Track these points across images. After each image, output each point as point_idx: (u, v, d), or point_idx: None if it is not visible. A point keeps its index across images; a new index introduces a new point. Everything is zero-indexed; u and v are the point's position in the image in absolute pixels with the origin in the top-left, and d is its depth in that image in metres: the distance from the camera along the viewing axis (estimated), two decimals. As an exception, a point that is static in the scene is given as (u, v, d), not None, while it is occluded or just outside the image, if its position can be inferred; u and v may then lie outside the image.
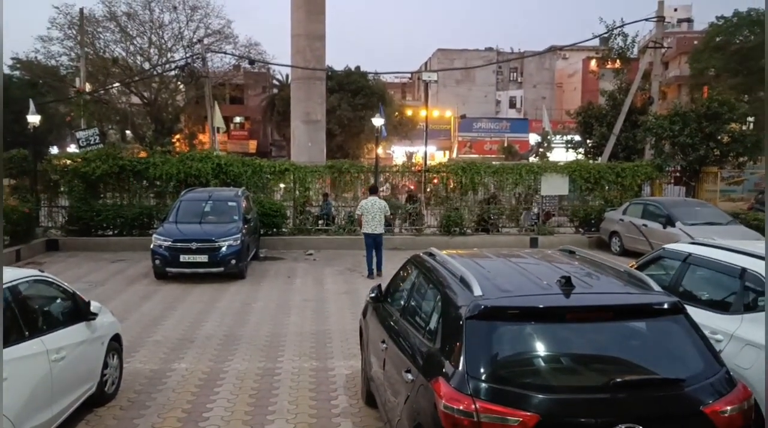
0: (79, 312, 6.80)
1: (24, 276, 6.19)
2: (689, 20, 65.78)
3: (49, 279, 6.69)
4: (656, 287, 4.88)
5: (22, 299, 5.93)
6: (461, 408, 4.05)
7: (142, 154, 21.39)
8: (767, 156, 16.64)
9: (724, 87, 29.28)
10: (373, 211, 14.93)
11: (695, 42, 46.57)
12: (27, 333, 5.74)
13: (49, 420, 5.82)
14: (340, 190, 20.92)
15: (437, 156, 55.74)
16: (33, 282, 6.35)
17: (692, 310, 4.96)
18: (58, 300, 6.73)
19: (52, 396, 5.86)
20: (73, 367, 6.32)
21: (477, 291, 4.60)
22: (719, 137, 21.35)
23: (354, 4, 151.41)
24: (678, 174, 22.76)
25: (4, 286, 5.65)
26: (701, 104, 22.09)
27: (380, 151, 24.68)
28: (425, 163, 26.23)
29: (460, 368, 4.23)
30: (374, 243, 15.03)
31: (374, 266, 15.05)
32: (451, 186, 20.83)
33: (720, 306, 6.49)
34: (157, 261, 14.26)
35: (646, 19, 25.61)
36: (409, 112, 53.81)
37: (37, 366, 5.71)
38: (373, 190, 15.79)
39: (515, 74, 69.60)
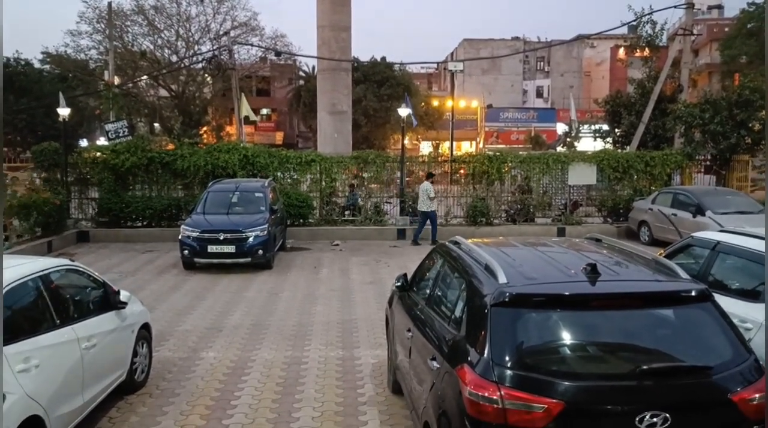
0: (109, 301, 6.89)
1: (56, 266, 6.29)
2: (720, 7, 64.63)
3: (80, 269, 6.79)
4: (684, 274, 4.81)
5: (54, 288, 6.02)
6: (486, 394, 4.05)
7: (170, 146, 21.57)
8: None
9: (756, 74, 28.74)
10: (419, 192, 18.54)
11: (726, 29, 45.80)
12: (58, 321, 5.83)
13: (80, 407, 5.91)
14: (367, 181, 20.95)
15: (464, 146, 55.54)
16: (65, 271, 6.45)
17: (721, 299, 4.90)
18: (89, 289, 6.83)
19: (83, 383, 5.96)
20: (103, 355, 6.42)
21: (502, 278, 4.57)
22: (751, 125, 20.96)
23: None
24: (708, 162, 22.41)
25: (36, 275, 5.78)
26: (732, 91, 21.71)
27: (407, 141, 24.61)
28: (451, 153, 26.13)
29: (485, 355, 4.22)
30: (424, 218, 18.47)
31: (419, 238, 18.52)
32: (476, 175, 20.78)
33: (749, 295, 6.40)
34: (186, 252, 14.41)
35: (676, 6, 25.18)
36: (435, 103, 53.67)
37: (69, 354, 5.81)
38: (428, 176, 19.01)
39: (542, 63, 68.97)
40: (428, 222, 18.47)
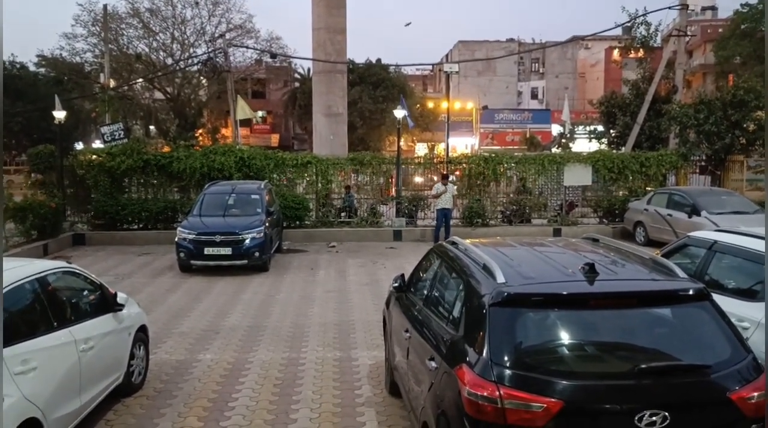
0: (106, 303, 6.89)
1: (53, 268, 6.28)
2: (713, 8, 64.78)
3: (77, 271, 6.78)
4: (681, 273, 4.83)
5: (51, 290, 6.00)
6: (485, 394, 4.05)
7: (166, 149, 21.58)
8: None
9: (750, 74, 28.84)
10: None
11: (720, 30, 45.94)
12: (56, 323, 5.81)
13: (77, 409, 5.90)
14: (362, 182, 20.95)
15: (459, 148, 55.55)
16: (62, 273, 6.44)
17: (719, 298, 4.89)
18: (86, 292, 6.81)
19: (80, 385, 5.94)
20: (100, 357, 6.40)
21: (500, 278, 4.58)
22: (745, 125, 21.05)
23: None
24: (703, 163, 22.49)
25: (34, 278, 5.76)
26: (727, 92, 21.78)
27: (402, 143, 24.58)
28: (447, 154, 26.13)
29: (484, 355, 4.22)
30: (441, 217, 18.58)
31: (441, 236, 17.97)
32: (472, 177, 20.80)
33: (746, 294, 6.41)
34: (182, 254, 14.39)
35: (670, 8, 25.23)
36: (430, 104, 53.68)
37: (66, 356, 5.79)
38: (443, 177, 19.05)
39: (537, 65, 69.01)
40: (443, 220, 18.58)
